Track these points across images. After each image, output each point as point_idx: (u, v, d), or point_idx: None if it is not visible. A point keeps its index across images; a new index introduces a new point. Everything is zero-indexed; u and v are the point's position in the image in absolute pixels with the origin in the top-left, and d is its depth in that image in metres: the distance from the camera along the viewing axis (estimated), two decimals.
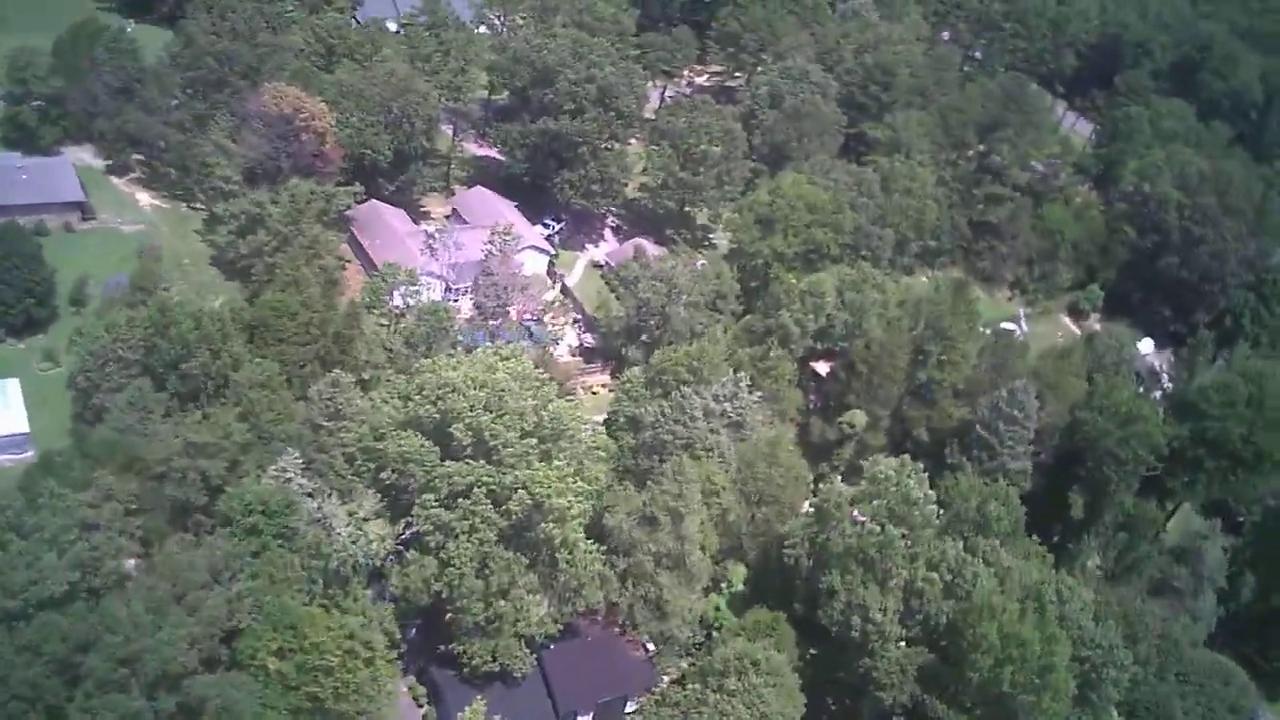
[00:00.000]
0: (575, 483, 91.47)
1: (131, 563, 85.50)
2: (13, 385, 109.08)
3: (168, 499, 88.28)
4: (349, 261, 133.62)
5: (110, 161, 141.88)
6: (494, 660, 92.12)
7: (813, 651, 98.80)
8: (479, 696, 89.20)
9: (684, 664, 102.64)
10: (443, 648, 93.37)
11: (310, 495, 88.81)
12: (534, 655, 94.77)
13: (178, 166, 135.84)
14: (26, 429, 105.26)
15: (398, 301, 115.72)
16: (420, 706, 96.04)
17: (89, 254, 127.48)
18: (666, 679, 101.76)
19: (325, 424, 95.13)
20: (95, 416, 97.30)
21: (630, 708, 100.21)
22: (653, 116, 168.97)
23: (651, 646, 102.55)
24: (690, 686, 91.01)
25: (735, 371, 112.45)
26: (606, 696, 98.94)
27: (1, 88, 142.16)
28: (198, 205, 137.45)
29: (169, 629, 74.51)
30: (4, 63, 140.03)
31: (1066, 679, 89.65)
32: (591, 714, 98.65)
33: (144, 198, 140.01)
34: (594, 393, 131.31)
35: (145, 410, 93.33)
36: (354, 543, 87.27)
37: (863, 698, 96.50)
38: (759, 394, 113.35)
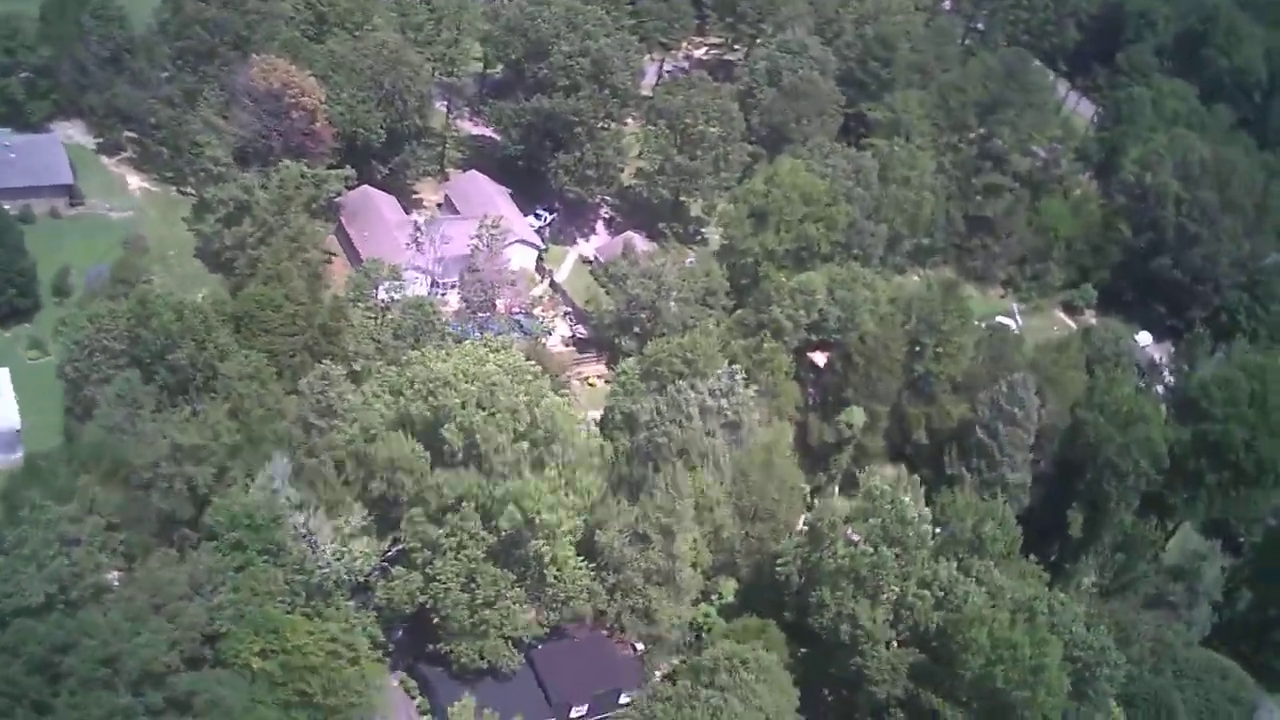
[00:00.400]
0: (567, 496, 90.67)
1: (114, 575, 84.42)
2: (2, 375, 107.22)
3: (153, 510, 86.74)
4: (335, 255, 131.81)
5: (101, 140, 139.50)
6: (482, 659, 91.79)
7: (804, 650, 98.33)
8: (468, 692, 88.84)
9: (675, 661, 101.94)
10: (431, 647, 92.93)
11: (298, 508, 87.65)
12: (522, 654, 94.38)
13: (169, 146, 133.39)
14: (17, 425, 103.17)
15: (382, 296, 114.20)
16: (413, 698, 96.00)
17: (74, 242, 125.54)
18: (658, 675, 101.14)
19: (317, 422, 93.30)
20: (86, 411, 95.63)
21: (624, 700, 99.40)
22: (649, 94, 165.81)
23: (640, 646, 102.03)
24: (681, 683, 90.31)
25: (730, 364, 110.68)
26: (600, 689, 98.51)
27: None
28: (187, 190, 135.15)
29: (148, 634, 74.15)
30: None
31: (1060, 676, 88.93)
32: (587, 705, 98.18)
33: (134, 181, 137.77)
34: (591, 384, 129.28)
35: (135, 405, 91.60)
36: (338, 559, 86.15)
37: (857, 692, 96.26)
38: (755, 388, 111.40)
